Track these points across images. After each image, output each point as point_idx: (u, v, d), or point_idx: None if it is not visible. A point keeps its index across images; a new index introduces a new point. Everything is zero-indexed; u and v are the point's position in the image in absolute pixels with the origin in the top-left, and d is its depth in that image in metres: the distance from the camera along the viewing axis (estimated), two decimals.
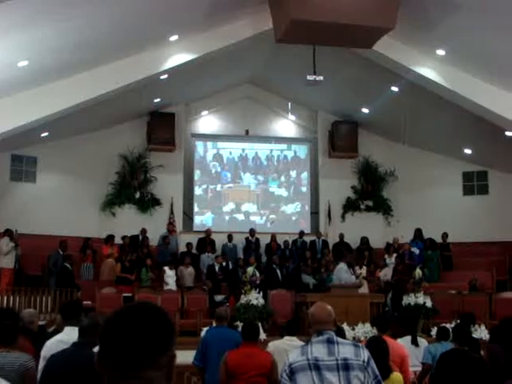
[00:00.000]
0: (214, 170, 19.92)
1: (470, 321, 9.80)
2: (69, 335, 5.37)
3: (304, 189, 20.38)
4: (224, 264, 16.68)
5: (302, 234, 18.73)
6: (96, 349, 4.91)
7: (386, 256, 17.33)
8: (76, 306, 6.12)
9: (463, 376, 2.69)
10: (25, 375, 5.09)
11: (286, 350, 6.38)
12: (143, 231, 17.49)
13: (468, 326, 7.97)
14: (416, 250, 17.38)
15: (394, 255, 17.10)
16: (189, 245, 17.65)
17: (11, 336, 5.22)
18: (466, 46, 13.37)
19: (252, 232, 18.46)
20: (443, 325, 9.02)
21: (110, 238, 16.58)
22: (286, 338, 7.07)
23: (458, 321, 10.41)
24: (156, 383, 1.72)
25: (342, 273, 15.00)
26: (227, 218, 19.76)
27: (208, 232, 18.25)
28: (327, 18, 11.57)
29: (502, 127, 15.08)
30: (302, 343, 5.57)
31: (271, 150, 20.34)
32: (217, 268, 16.45)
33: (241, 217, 19.80)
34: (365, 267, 16.67)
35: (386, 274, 16.47)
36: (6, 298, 13.86)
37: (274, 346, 6.98)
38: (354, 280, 15.25)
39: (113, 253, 16.28)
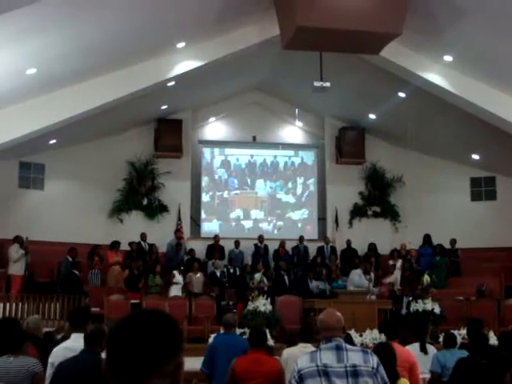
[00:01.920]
0: (221, 177, 19.93)
1: (478, 327, 9.74)
2: (76, 342, 5.38)
3: (311, 195, 20.35)
4: (232, 270, 16.69)
5: (301, 239, 18.64)
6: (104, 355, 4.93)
7: (391, 261, 17.30)
8: (84, 312, 6.14)
9: None
10: (33, 379, 5.11)
11: None
12: (143, 236, 17.46)
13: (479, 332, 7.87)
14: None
15: (400, 261, 17.06)
16: (191, 251, 17.63)
17: (18, 343, 5.25)
18: (473, 52, 13.36)
19: (261, 238, 18.44)
20: (451, 331, 8.95)
21: (115, 244, 16.57)
22: (301, 345, 6.98)
23: (466, 328, 10.36)
24: None
25: (355, 276, 15.40)
26: (234, 224, 19.76)
27: (216, 238, 18.25)
28: (334, 24, 11.57)
29: (510, 133, 15.04)
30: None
31: (277, 157, 20.33)
32: (218, 274, 16.42)
33: (248, 223, 19.79)
34: (373, 273, 16.64)
35: (394, 279, 16.43)
36: (15, 305, 13.89)
37: (288, 353, 6.92)
38: (366, 285, 15.29)
39: (118, 259, 16.29)
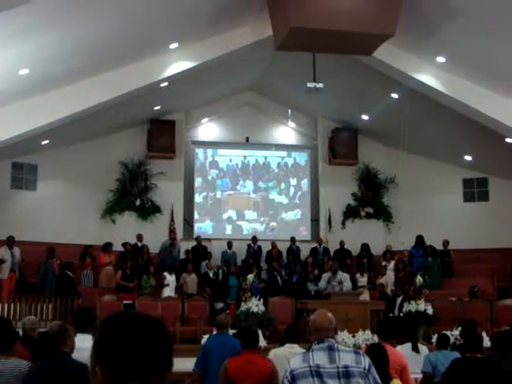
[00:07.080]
0: (213, 178, 19.90)
1: (472, 327, 9.75)
2: (81, 342, 5.39)
3: (304, 196, 20.36)
4: (226, 271, 16.66)
5: (293, 240, 18.64)
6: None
7: (384, 262, 17.31)
8: (88, 314, 6.11)
9: None
10: None
11: (287, 357, 6.36)
12: (139, 237, 17.44)
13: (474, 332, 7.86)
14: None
15: (392, 262, 17.08)
16: (188, 252, 17.60)
17: (9, 343, 5.24)
18: (466, 53, 13.40)
19: (254, 239, 18.42)
20: (444, 332, 8.96)
21: (107, 245, 16.54)
22: (288, 345, 7.01)
23: (460, 328, 10.38)
24: None
25: (322, 282, 15.26)
26: (227, 225, 19.73)
27: (199, 239, 18.21)
28: (327, 25, 11.59)
29: (502, 134, 15.09)
30: (304, 350, 5.56)
31: (270, 157, 20.31)
32: (211, 274, 16.40)
33: (241, 224, 19.77)
34: (366, 275, 16.64)
35: (386, 280, 16.44)
36: (6, 306, 13.84)
37: (275, 353, 6.93)
38: (333, 288, 15.02)
39: (111, 260, 16.24)
